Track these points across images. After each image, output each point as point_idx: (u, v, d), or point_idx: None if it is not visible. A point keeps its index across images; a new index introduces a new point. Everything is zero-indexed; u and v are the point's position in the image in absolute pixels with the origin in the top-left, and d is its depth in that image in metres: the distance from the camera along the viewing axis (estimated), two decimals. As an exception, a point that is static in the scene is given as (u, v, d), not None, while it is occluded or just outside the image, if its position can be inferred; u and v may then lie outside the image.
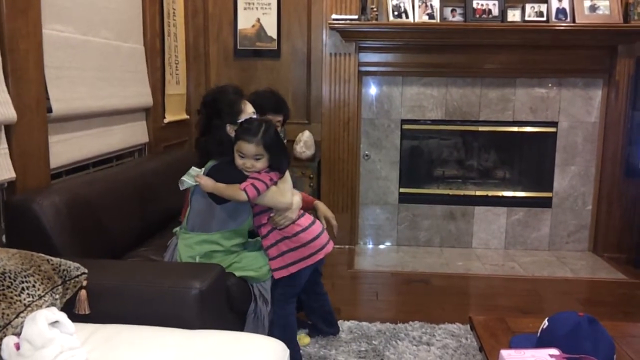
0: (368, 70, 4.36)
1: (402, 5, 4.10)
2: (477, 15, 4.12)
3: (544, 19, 4.08)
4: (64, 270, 1.82)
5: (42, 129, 2.45)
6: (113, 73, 3.18)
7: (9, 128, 2.24)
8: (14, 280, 1.63)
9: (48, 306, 1.68)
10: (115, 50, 3.21)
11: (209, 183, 2.22)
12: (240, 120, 2.33)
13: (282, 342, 1.82)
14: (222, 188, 2.22)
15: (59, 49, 2.62)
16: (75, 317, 1.72)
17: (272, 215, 2.34)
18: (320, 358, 2.67)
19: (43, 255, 1.83)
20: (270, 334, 2.26)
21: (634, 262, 4.13)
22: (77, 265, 1.88)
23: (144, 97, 3.60)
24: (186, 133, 4.43)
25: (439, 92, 4.39)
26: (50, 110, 2.53)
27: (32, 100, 2.36)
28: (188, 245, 2.31)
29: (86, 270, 1.89)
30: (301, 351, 2.65)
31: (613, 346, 1.77)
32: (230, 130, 2.34)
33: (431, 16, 4.11)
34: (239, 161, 2.26)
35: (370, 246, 4.60)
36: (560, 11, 4.05)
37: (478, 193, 4.60)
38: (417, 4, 4.10)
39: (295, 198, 2.39)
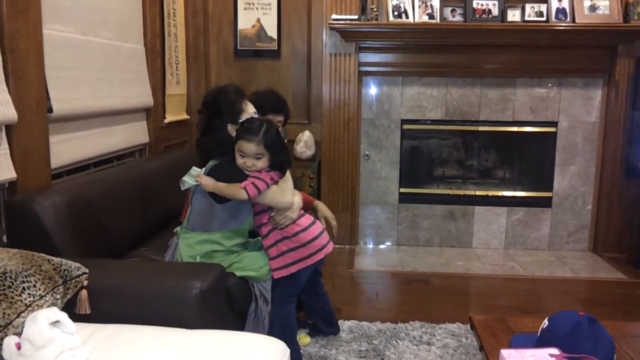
0: (368, 70, 4.36)
1: (402, 5, 4.10)
2: (477, 15, 4.12)
3: (544, 19, 4.08)
4: (64, 270, 1.83)
5: (42, 129, 2.45)
6: (114, 73, 3.18)
7: (9, 128, 2.24)
8: (15, 280, 1.64)
9: (49, 306, 1.68)
10: (115, 50, 3.22)
11: (209, 182, 2.23)
12: (241, 120, 2.33)
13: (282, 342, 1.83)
14: (222, 187, 2.22)
15: (59, 49, 2.62)
16: (76, 317, 1.72)
17: (272, 214, 2.34)
18: (320, 358, 2.67)
19: (44, 255, 1.83)
20: (270, 333, 2.26)
21: (633, 262, 4.13)
22: (77, 265, 1.88)
23: (144, 97, 3.60)
24: (186, 133, 4.43)
25: (439, 92, 4.40)
26: (50, 110, 2.53)
27: (33, 100, 2.36)
28: (189, 245, 2.31)
29: (87, 270, 1.89)
30: (301, 351, 2.65)
31: (613, 346, 1.77)
32: (232, 130, 2.34)
33: (431, 16, 4.11)
34: (239, 160, 2.26)
35: (371, 246, 4.61)
36: (560, 11, 4.05)
37: (478, 193, 4.60)
38: (417, 4, 4.11)
39: (296, 198, 2.40)
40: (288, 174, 2.40)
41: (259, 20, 4.63)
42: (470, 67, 4.31)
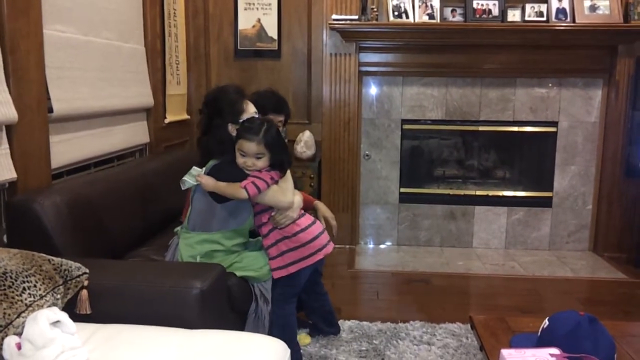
0: (368, 70, 4.36)
1: (402, 5, 4.10)
2: (477, 15, 4.12)
3: (544, 19, 4.08)
4: (65, 270, 1.83)
5: (43, 129, 2.45)
6: (114, 73, 3.19)
7: (10, 128, 2.24)
8: (15, 280, 1.64)
9: (49, 306, 1.69)
10: (116, 50, 3.22)
11: (209, 182, 2.23)
12: (241, 120, 2.34)
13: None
14: (222, 187, 2.22)
15: (60, 49, 2.62)
16: (76, 317, 1.73)
17: (272, 214, 2.34)
18: (321, 357, 2.67)
19: (44, 255, 1.83)
20: (271, 333, 2.26)
21: (634, 262, 4.13)
22: (78, 265, 1.88)
23: (144, 97, 3.60)
24: (187, 133, 4.44)
25: (439, 92, 4.40)
26: (51, 110, 2.53)
27: (33, 100, 2.36)
28: (189, 245, 2.32)
29: (87, 270, 1.89)
30: (302, 351, 2.65)
31: (613, 345, 1.77)
32: (232, 129, 2.34)
33: (431, 16, 4.11)
34: (240, 160, 2.26)
35: (371, 246, 4.61)
36: (560, 11, 4.05)
37: (478, 193, 4.60)
38: (417, 4, 4.11)
39: (296, 198, 2.40)
40: (288, 173, 2.40)
41: (259, 20, 4.63)
42: (471, 67, 4.31)
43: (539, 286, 3.72)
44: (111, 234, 2.52)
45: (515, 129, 4.45)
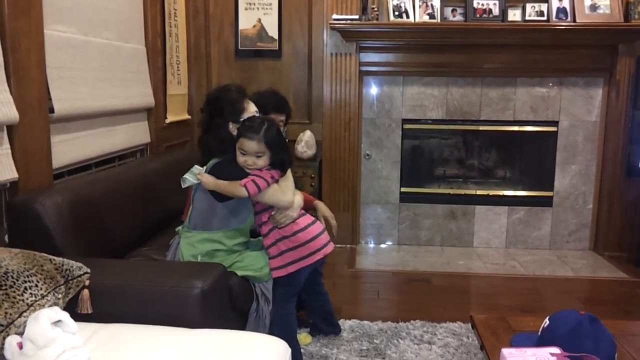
0: (369, 70, 4.36)
1: (402, 5, 4.10)
2: (478, 15, 4.12)
3: (545, 18, 4.08)
4: (66, 269, 1.83)
5: (44, 129, 2.45)
6: (115, 73, 3.19)
7: (11, 128, 2.24)
8: (17, 280, 1.64)
9: (51, 305, 1.69)
10: (116, 50, 3.22)
11: (210, 180, 2.23)
12: (242, 119, 2.34)
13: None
14: (223, 185, 2.23)
15: (60, 49, 2.63)
16: (77, 317, 1.73)
17: (273, 213, 2.35)
18: (321, 357, 2.68)
19: (45, 254, 1.84)
20: (271, 333, 2.26)
21: (634, 261, 4.13)
22: (79, 264, 1.89)
23: (145, 97, 3.60)
24: (188, 133, 4.44)
25: (439, 91, 4.40)
26: (52, 110, 2.53)
27: (34, 100, 2.36)
28: (190, 244, 2.32)
29: (88, 270, 1.90)
30: (303, 350, 2.65)
31: (614, 345, 1.77)
32: (233, 128, 2.34)
33: (432, 16, 4.12)
34: (240, 159, 2.27)
35: (372, 245, 4.61)
36: (561, 10, 4.05)
37: (479, 192, 4.60)
38: (417, 3, 4.11)
39: (297, 197, 2.40)
40: (289, 172, 2.40)
41: (259, 20, 4.63)
42: (471, 67, 4.31)
43: (539, 285, 3.72)
44: (112, 233, 2.52)
45: (516, 128, 4.45)
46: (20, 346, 1.51)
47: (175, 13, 4.06)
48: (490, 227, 4.55)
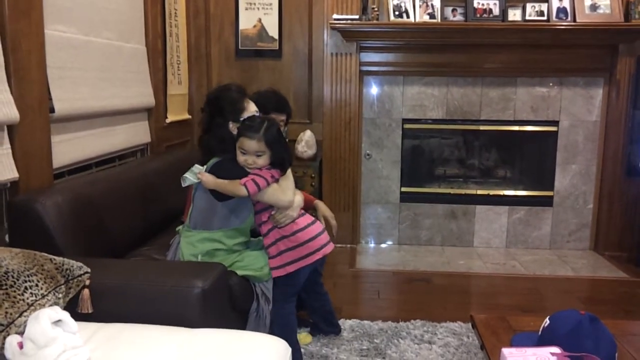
0: (369, 69, 4.37)
1: (402, 5, 4.10)
2: (478, 15, 4.12)
3: (545, 18, 4.08)
4: (66, 269, 1.83)
5: (44, 129, 2.45)
6: (115, 73, 3.19)
7: (11, 128, 2.24)
8: (17, 280, 1.64)
9: (51, 305, 1.69)
10: (117, 50, 3.22)
11: (210, 179, 2.24)
12: (242, 118, 2.34)
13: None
14: (223, 184, 2.23)
15: (61, 49, 2.63)
16: (78, 316, 1.73)
17: (272, 213, 2.35)
18: (322, 356, 2.68)
19: (46, 254, 1.84)
20: (271, 333, 2.26)
21: (635, 261, 4.13)
22: (79, 264, 1.89)
23: (146, 97, 3.60)
24: (188, 133, 4.44)
25: (440, 91, 4.40)
26: (52, 110, 2.54)
27: (35, 100, 2.37)
28: (190, 243, 2.32)
29: (89, 270, 1.90)
30: (303, 350, 2.66)
31: (614, 344, 1.77)
32: (233, 128, 2.35)
33: (432, 16, 4.12)
34: (240, 158, 2.27)
35: (372, 245, 4.61)
36: (561, 10, 4.05)
37: (479, 192, 4.60)
38: (417, 3, 4.11)
39: (297, 197, 2.40)
40: (289, 172, 2.40)
41: (260, 20, 4.63)
42: (471, 67, 4.31)
43: (539, 285, 3.72)
44: (112, 233, 2.52)
45: (516, 128, 4.45)
46: (21, 346, 1.51)
47: (175, 13, 4.06)
48: (490, 227, 4.55)
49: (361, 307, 3.38)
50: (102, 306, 1.88)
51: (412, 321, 3.05)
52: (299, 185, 2.73)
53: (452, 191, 4.63)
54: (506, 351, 1.71)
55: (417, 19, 4.11)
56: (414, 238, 4.60)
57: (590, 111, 4.35)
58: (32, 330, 1.51)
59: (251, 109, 2.42)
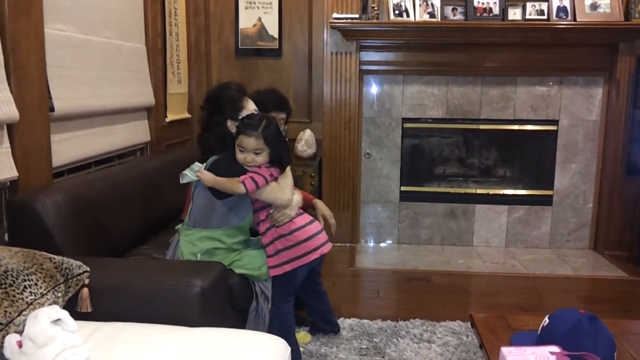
0: (369, 69, 4.36)
1: (402, 4, 4.10)
2: (478, 14, 4.12)
3: (545, 17, 4.08)
4: (66, 268, 1.83)
5: (44, 128, 2.46)
6: (115, 72, 3.19)
7: (11, 127, 2.24)
8: (17, 279, 1.64)
9: (50, 304, 1.69)
10: (117, 49, 3.22)
11: (209, 177, 2.24)
12: (241, 117, 2.34)
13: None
14: (221, 182, 2.23)
15: (60, 48, 2.63)
16: (77, 315, 1.73)
17: (271, 211, 2.34)
18: (321, 355, 2.68)
19: (45, 253, 1.84)
20: (269, 332, 2.26)
21: (634, 260, 4.13)
22: (79, 263, 1.89)
23: (145, 96, 3.60)
24: (188, 132, 4.44)
25: (439, 90, 4.40)
26: (52, 109, 2.53)
27: (34, 99, 2.37)
28: (189, 242, 2.32)
29: (88, 269, 1.90)
30: (302, 349, 2.66)
31: (614, 344, 1.77)
32: (231, 126, 2.35)
33: (432, 15, 4.11)
34: (239, 156, 2.27)
35: (372, 244, 4.61)
36: (561, 9, 4.05)
37: (479, 191, 4.60)
38: (417, 2, 4.11)
39: (295, 196, 2.39)
40: (288, 170, 2.40)
41: (260, 19, 4.63)
42: (471, 66, 4.31)
43: (539, 284, 3.72)
44: (112, 232, 2.52)
45: (516, 127, 4.45)
46: (20, 345, 1.51)
47: (175, 12, 4.06)
48: (490, 226, 4.55)
49: (360, 306, 3.38)
50: (101, 305, 1.88)
51: (412, 320, 3.05)
52: (298, 184, 2.73)
53: (451, 190, 4.63)
54: (505, 350, 1.71)
55: (417, 18, 4.11)
56: (413, 237, 4.60)
57: (590, 110, 4.34)
58: (31, 329, 1.51)
59: (250, 107, 2.43)
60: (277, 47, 4.65)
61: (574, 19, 4.03)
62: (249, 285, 2.35)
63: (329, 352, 2.71)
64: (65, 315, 1.58)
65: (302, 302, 2.79)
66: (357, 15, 4.09)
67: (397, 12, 4.10)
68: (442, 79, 4.38)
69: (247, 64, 4.69)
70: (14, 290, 1.61)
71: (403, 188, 4.56)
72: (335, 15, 4.09)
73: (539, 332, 1.87)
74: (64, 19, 2.68)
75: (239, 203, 2.32)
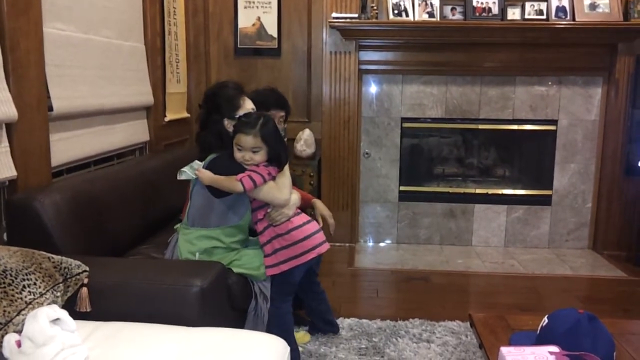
0: (368, 68, 4.36)
1: (402, 3, 4.10)
2: (477, 14, 4.12)
3: (544, 17, 4.08)
4: (65, 267, 1.83)
5: (43, 127, 2.45)
6: (114, 72, 3.19)
7: (10, 126, 2.24)
8: (16, 278, 1.64)
9: (49, 304, 1.69)
10: (116, 49, 3.22)
11: (207, 175, 2.23)
12: (237, 115, 2.34)
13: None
14: (219, 180, 2.22)
15: (59, 47, 2.63)
16: (76, 315, 1.73)
17: (268, 210, 2.34)
18: (320, 355, 2.68)
19: (44, 253, 1.84)
20: (268, 332, 2.26)
21: (633, 260, 4.13)
22: (78, 262, 1.89)
23: (144, 95, 3.60)
24: (187, 131, 4.44)
25: (439, 90, 4.40)
26: (51, 108, 2.53)
27: (33, 98, 2.36)
28: (188, 241, 2.32)
29: (87, 268, 1.90)
30: (301, 349, 2.66)
31: (613, 343, 1.78)
32: (228, 124, 2.35)
33: (431, 14, 4.11)
34: (237, 154, 2.26)
35: (371, 244, 4.61)
36: (560, 9, 4.05)
37: (478, 191, 4.61)
38: (417, 2, 4.11)
39: (293, 195, 2.38)
40: (287, 170, 2.39)
41: (259, 18, 4.63)
42: (470, 65, 4.31)
43: (538, 284, 3.72)
44: (111, 232, 2.52)
45: (515, 127, 4.45)
46: (19, 344, 1.51)
47: (174, 11, 4.06)
48: (489, 226, 4.55)
49: (360, 305, 3.38)
50: (100, 305, 1.88)
51: (411, 320, 3.05)
52: (297, 184, 2.73)
53: (450, 190, 4.63)
54: (505, 350, 1.71)
55: (416, 18, 4.11)
56: (412, 237, 4.60)
57: (589, 110, 4.35)
58: (30, 328, 1.51)
59: (247, 106, 2.43)
60: (276, 46, 4.65)
61: (573, 19, 4.03)
62: (248, 284, 2.35)
63: (328, 351, 2.71)
64: (64, 314, 1.58)
65: (301, 302, 2.79)
66: (356, 15, 4.09)
67: (396, 11, 4.10)
68: (441, 79, 4.38)
69: (246, 63, 4.69)
70: (12, 290, 1.61)
71: (402, 188, 4.56)
72: (334, 14, 4.09)
73: (538, 332, 1.87)
74: (63, 18, 2.68)
75: (238, 202, 2.31)
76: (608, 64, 4.22)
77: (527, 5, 4.10)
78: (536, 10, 4.10)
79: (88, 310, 1.86)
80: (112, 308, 1.89)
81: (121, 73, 3.27)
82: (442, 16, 4.16)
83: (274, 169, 2.29)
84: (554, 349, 1.69)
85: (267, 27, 4.63)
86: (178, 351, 1.63)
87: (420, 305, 3.32)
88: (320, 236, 2.43)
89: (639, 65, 4.00)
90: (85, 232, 2.32)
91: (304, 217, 2.42)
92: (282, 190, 2.31)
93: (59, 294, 1.77)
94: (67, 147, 2.73)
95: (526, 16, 4.11)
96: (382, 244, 4.60)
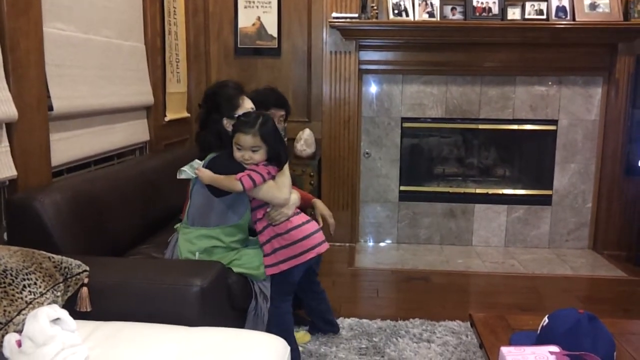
0: (368, 68, 4.36)
1: (402, 3, 4.10)
2: (477, 14, 4.12)
3: (544, 17, 4.08)
4: (65, 267, 1.83)
5: (43, 127, 2.45)
6: (114, 71, 3.19)
7: (10, 126, 2.24)
8: (16, 278, 1.64)
9: (49, 303, 1.69)
10: (116, 48, 3.22)
11: (206, 174, 2.23)
12: (236, 115, 2.34)
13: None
14: (219, 179, 2.22)
15: (60, 47, 2.62)
16: (76, 315, 1.73)
17: (268, 210, 2.34)
18: (320, 355, 2.68)
19: (44, 252, 1.83)
20: (268, 332, 2.26)
21: (633, 260, 4.13)
22: (78, 262, 1.89)
23: (144, 95, 3.60)
24: (187, 131, 4.44)
25: (439, 90, 4.40)
26: (51, 108, 2.53)
27: (33, 98, 2.36)
28: (188, 240, 2.32)
29: (87, 268, 1.90)
30: (302, 348, 2.66)
31: (613, 343, 1.78)
32: (227, 124, 2.35)
33: (431, 14, 4.11)
34: (237, 154, 2.26)
35: (371, 244, 4.61)
36: (560, 9, 4.05)
37: (478, 191, 4.60)
38: (417, 2, 4.11)
39: (293, 195, 2.38)
40: (286, 169, 2.39)
41: (259, 18, 4.63)
42: (471, 65, 4.31)
43: (538, 284, 3.72)
44: (111, 231, 2.52)
45: (515, 127, 4.45)
46: (19, 344, 1.51)
47: (174, 11, 4.06)
48: (489, 226, 4.55)
49: (360, 305, 3.38)
50: (100, 304, 1.88)
51: (411, 320, 3.05)
52: (297, 183, 2.73)
53: (451, 190, 4.63)
54: (505, 350, 1.71)
55: (416, 18, 4.11)
56: (412, 237, 4.60)
57: (590, 110, 4.35)
58: (31, 328, 1.51)
59: (246, 105, 2.43)
60: (276, 46, 4.65)
61: (573, 19, 4.03)
62: (248, 284, 2.34)
63: (329, 351, 2.71)
64: (64, 314, 1.58)
65: (301, 301, 2.79)
66: (356, 15, 4.09)
67: (396, 11, 4.10)
68: (441, 79, 4.38)
69: (246, 63, 4.69)
70: (13, 290, 1.61)
71: (402, 188, 4.56)
72: (334, 14, 4.09)
73: (538, 331, 1.87)
74: (63, 18, 2.68)
75: (237, 201, 2.31)
76: (608, 63, 4.22)
77: (527, 5, 4.10)
78: (536, 10, 4.10)
79: (88, 310, 1.86)
80: (112, 308, 1.89)
81: (121, 73, 3.27)
82: (442, 16, 4.16)
83: (273, 168, 2.29)
84: (555, 348, 1.69)
85: (267, 27, 4.63)
86: (178, 351, 1.63)
87: (420, 305, 3.32)
88: (320, 236, 2.43)
89: (639, 65, 4.00)
90: (85, 232, 2.32)
91: (303, 217, 2.42)
92: (281, 189, 2.31)
93: (59, 293, 1.77)
94: (67, 146, 2.73)
95: (526, 16, 4.11)
96: (382, 244, 4.60)
